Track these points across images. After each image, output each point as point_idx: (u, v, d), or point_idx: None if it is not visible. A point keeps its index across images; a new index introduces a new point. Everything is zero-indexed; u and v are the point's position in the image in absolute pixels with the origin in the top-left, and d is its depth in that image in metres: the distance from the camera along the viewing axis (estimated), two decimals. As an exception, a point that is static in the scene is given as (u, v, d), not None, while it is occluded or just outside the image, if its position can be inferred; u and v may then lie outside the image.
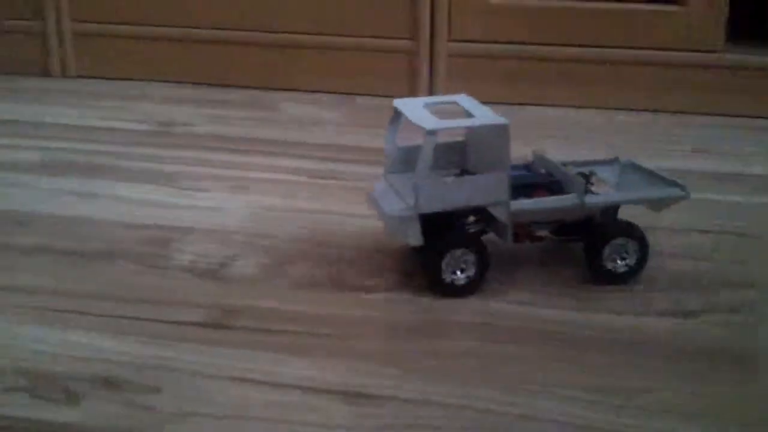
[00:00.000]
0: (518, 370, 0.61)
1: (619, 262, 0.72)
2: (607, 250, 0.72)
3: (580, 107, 1.24)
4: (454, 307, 0.69)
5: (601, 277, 0.73)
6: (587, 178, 0.75)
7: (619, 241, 0.72)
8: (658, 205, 0.75)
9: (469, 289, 0.71)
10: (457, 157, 0.77)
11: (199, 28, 1.35)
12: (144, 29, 1.37)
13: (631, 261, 0.72)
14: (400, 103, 0.74)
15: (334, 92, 1.30)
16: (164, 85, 1.35)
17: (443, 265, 0.70)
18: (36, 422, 0.55)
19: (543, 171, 0.77)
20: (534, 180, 0.75)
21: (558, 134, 1.13)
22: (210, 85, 1.35)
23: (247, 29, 1.33)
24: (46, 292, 0.71)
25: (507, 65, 1.26)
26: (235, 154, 1.04)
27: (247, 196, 0.90)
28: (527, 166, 0.78)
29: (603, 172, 0.78)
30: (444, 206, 0.69)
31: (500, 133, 0.70)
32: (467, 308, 0.69)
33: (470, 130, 0.76)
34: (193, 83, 1.36)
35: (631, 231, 0.72)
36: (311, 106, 1.25)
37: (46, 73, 1.42)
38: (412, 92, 1.29)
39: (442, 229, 0.71)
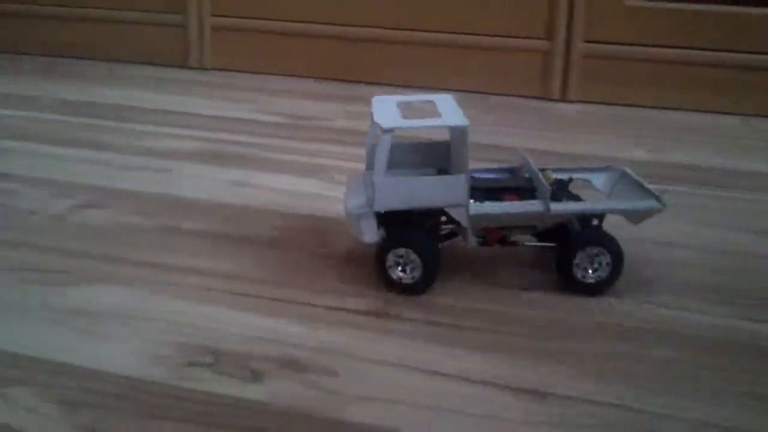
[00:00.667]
0: (683, 374, 0.61)
1: (589, 271, 0.71)
2: (577, 259, 0.70)
3: (713, 111, 1.22)
4: (622, 310, 0.69)
5: (571, 285, 0.71)
6: (566, 185, 0.74)
7: (591, 250, 0.70)
8: (633, 216, 0.72)
9: (416, 288, 0.71)
10: (439, 157, 0.76)
11: (331, 24, 1.38)
12: (279, 24, 1.41)
13: (603, 272, 0.70)
14: (376, 100, 0.74)
15: (467, 90, 1.32)
16: (297, 80, 1.39)
17: (388, 263, 0.70)
18: (220, 396, 0.58)
19: (527, 176, 0.75)
20: (510, 184, 0.74)
21: (688, 138, 1.12)
22: (341, 80, 1.38)
23: (380, 26, 1.36)
24: (222, 275, 0.74)
25: (642, 67, 1.25)
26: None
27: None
28: (512, 170, 0.77)
29: (597, 180, 0.77)
30: (401, 205, 0.69)
31: (459, 134, 0.68)
32: (631, 312, 0.69)
33: (450, 131, 0.74)
34: (324, 78, 1.39)
35: (604, 241, 0.70)
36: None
37: (184, 64, 1.48)
38: (545, 92, 1.29)
39: (407, 228, 0.71)
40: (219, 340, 0.64)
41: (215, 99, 1.28)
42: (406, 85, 1.35)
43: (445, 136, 0.76)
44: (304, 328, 0.66)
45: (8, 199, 0.90)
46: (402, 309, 0.69)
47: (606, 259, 0.70)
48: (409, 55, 1.36)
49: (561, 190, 0.73)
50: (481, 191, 0.71)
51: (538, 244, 0.74)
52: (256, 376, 0.60)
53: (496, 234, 0.72)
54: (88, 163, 1.01)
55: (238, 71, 1.45)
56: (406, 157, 0.76)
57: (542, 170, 0.74)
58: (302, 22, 1.40)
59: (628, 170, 0.76)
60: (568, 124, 1.18)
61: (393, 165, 0.75)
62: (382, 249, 0.71)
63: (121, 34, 1.51)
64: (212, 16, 1.45)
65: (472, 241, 0.71)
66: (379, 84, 1.36)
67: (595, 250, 0.70)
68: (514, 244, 0.73)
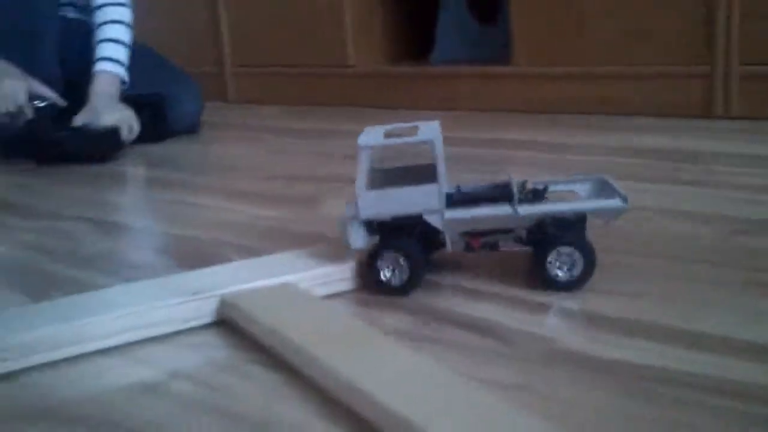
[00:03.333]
0: None
1: (561, 270, 0.75)
2: (550, 257, 0.75)
3: None
4: None
5: (543, 282, 0.76)
6: (541, 193, 0.78)
7: (563, 249, 0.74)
8: (599, 215, 0.77)
9: (403, 290, 0.77)
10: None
11: None
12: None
13: (575, 271, 0.75)
14: (367, 129, 0.82)
15: None
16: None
17: (377, 265, 0.76)
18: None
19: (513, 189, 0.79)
20: (491, 195, 0.78)
21: None
22: None
23: None
24: None
25: None
26: None
27: None
28: (501, 185, 0.80)
29: (581, 189, 0.81)
30: (381, 213, 0.76)
31: (429, 149, 0.75)
32: None
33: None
34: None
35: (575, 241, 0.74)
36: None
37: (706, 114, 1.49)
38: None
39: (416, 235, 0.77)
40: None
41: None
42: None
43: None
44: None
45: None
46: None
47: (579, 258, 0.74)
48: None
49: (536, 198, 0.78)
50: (463, 202, 0.78)
51: (517, 248, 0.78)
52: None
53: (477, 239, 0.78)
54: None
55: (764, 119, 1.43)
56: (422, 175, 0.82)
57: (523, 182, 0.80)
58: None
59: (608, 178, 0.81)
60: None
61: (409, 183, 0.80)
62: (372, 252, 0.77)
63: (639, 87, 1.57)
64: (741, 65, 1.45)
65: (449, 245, 0.77)
66: None
67: (569, 249, 0.75)
68: (496, 247, 0.78)
